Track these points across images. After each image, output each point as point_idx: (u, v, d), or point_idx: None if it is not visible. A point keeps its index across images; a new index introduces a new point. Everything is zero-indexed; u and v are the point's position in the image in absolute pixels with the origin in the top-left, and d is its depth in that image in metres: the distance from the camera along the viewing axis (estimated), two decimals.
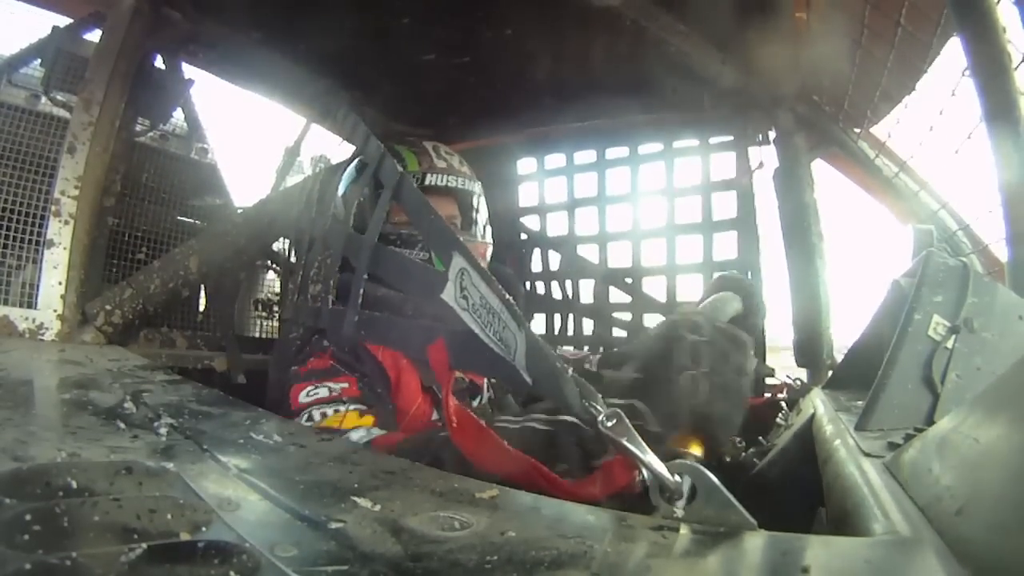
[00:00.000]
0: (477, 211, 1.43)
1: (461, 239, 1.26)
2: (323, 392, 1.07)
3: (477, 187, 1.41)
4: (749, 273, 1.78)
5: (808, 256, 1.68)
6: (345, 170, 1.40)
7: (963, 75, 1.11)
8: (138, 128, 1.73)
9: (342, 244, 1.15)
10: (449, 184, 1.35)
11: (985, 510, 0.42)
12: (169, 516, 0.44)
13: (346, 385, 1.10)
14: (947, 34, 1.20)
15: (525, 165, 2.25)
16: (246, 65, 1.82)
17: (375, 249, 1.08)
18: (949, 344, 0.76)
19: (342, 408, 1.04)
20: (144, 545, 0.38)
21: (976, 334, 0.77)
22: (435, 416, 1.19)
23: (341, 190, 1.35)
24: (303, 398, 1.07)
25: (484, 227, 1.45)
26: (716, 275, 1.13)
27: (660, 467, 0.55)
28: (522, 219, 2.24)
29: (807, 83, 1.66)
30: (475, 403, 1.29)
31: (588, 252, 2.12)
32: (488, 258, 1.43)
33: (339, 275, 1.16)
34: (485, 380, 1.32)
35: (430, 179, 1.33)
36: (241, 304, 2.10)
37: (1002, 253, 1.27)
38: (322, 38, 1.66)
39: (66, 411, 0.73)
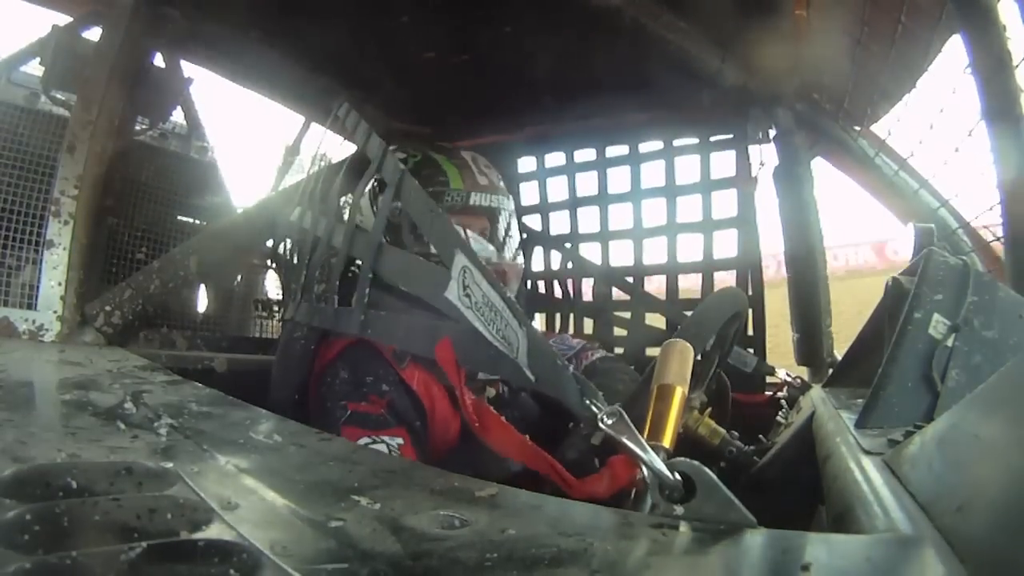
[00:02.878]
0: (510, 229, 1.40)
1: (492, 260, 1.26)
2: (382, 449, 1.04)
3: (511, 204, 1.39)
4: (749, 272, 1.78)
5: (808, 254, 1.68)
6: (346, 169, 1.39)
7: (964, 72, 1.11)
8: (138, 127, 1.73)
9: (348, 244, 1.15)
10: (492, 204, 1.33)
11: (985, 507, 0.42)
12: (169, 516, 0.44)
13: (401, 441, 1.07)
14: (948, 32, 1.20)
15: (525, 164, 2.24)
16: (246, 63, 1.82)
17: (379, 248, 1.08)
18: (949, 342, 0.76)
19: None
20: (144, 544, 0.38)
21: (976, 332, 0.77)
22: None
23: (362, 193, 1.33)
24: None
25: (517, 246, 1.42)
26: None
27: (660, 465, 0.55)
28: (523, 218, 2.24)
29: (807, 81, 1.66)
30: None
31: (589, 251, 2.12)
32: (519, 279, 1.40)
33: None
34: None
35: (474, 199, 1.30)
36: (242, 304, 2.10)
37: (1002, 251, 1.27)
38: (322, 36, 1.66)
39: (66, 412, 0.73)
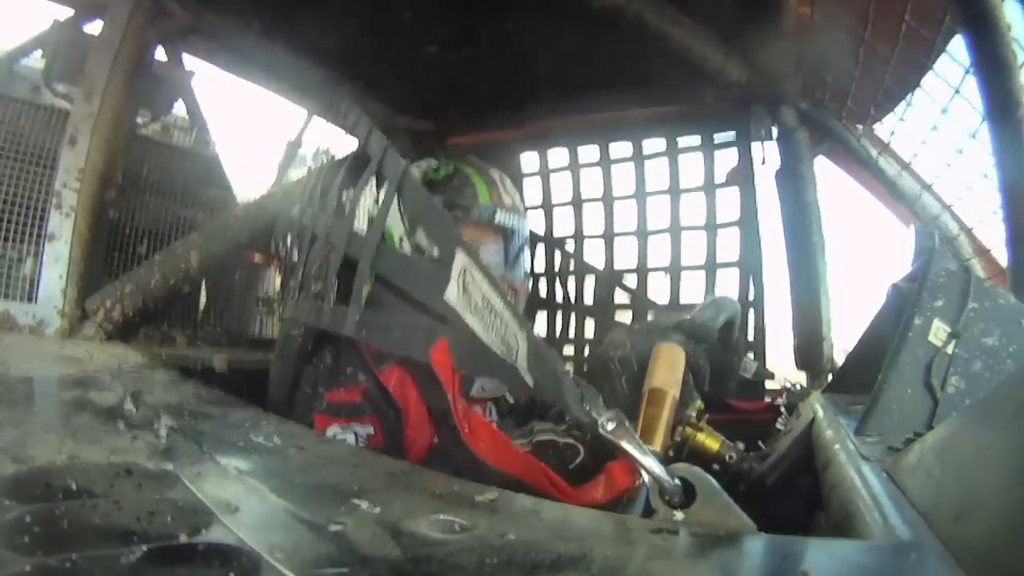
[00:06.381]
0: (522, 251, 1.41)
1: (506, 278, 1.29)
2: (350, 439, 1.09)
3: (527, 229, 1.41)
4: (751, 276, 1.78)
5: (809, 256, 1.68)
6: (348, 165, 1.39)
7: (967, 73, 1.11)
8: (139, 120, 1.73)
9: (345, 241, 1.15)
10: (513, 225, 1.34)
11: (984, 515, 0.42)
12: (169, 518, 0.44)
13: (371, 431, 1.11)
14: (951, 32, 1.19)
15: (528, 160, 2.24)
16: (248, 56, 1.82)
17: (378, 247, 1.08)
18: (949, 349, 0.76)
19: None
20: (143, 547, 0.38)
21: (976, 339, 0.77)
22: (435, 439, 1.19)
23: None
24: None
25: (524, 264, 1.43)
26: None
27: (660, 470, 0.55)
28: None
29: (810, 80, 1.65)
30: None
31: (593, 249, 2.12)
32: (526, 297, 1.41)
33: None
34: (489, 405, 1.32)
35: (500, 216, 1.32)
36: (242, 302, 2.09)
37: (1003, 258, 1.27)
38: (324, 30, 1.65)
39: (66, 411, 0.73)
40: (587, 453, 0.85)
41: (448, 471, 0.83)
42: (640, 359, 0.88)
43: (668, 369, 0.79)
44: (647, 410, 0.73)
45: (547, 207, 2.21)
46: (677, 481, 0.54)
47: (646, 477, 0.55)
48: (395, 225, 1.27)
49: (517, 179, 2.23)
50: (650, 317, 1.99)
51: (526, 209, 1.44)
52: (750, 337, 1.78)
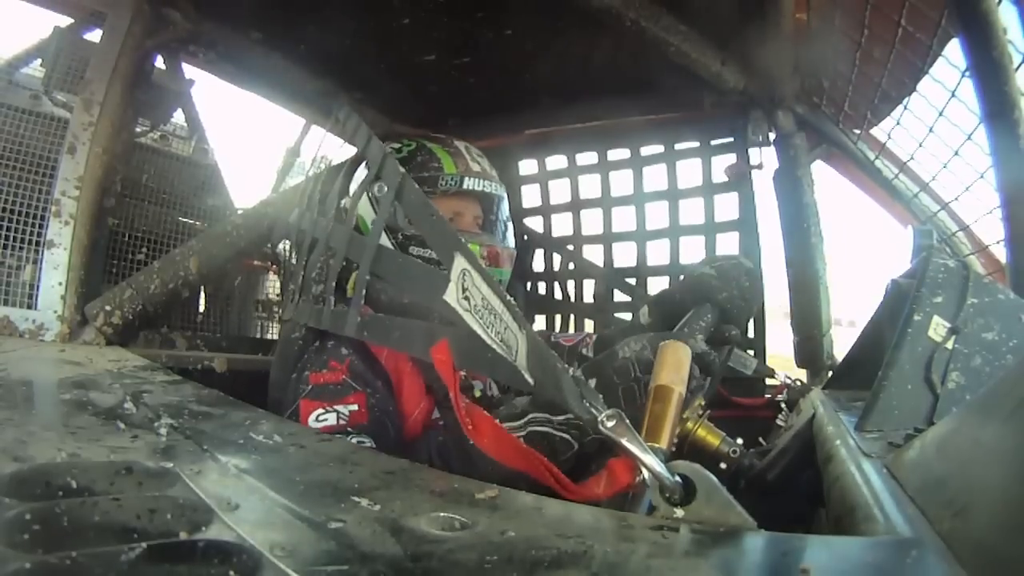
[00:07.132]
0: (502, 215, 1.44)
1: (485, 241, 1.27)
2: (331, 419, 1.07)
3: (503, 191, 1.42)
4: None
5: (808, 256, 1.68)
6: (346, 171, 1.40)
7: (963, 76, 1.11)
8: (138, 128, 1.73)
9: (346, 245, 1.15)
10: (485, 189, 1.35)
11: (985, 511, 0.42)
12: (169, 516, 0.44)
13: (355, 408, 1.09)
14: (947, 35, 1.20)
15: (526, 166, 2.25)
16: (246, 65, 1.82)
17: (378, 250, 1.08)
18: (949, 345, 0.77)
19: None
20: (144, 545, 0.38)
21: (976, 335, 0.77)
22: (436, 415, 1.18)
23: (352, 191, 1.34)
24: (312, 422, 1.07)
25: (508, 231, 1.45)
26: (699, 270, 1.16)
27: (660, 467, 0.55)
28: (524, 220, 2.24)
29: (807, 84, 1.66)
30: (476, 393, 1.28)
31: (592, 253, 2.12)
32: (511, 263, 1.41)
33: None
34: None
35: (468, 183, 1.33)
36: (242, 305, 2.10)
37: (1001, 255, 1.27)
38: (322, 38, 1.66)
39: (66, 411, 0.73)
40: (579, 451, 0.86)
41: (448, 452, 0.83)
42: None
43: (674, 367, 0.79)
44: (653, 407, 0.73)
45: (546, 211, 2.21)
46: (677, 478, 0.53)
47: (646, 474, 0.55)
48: (366, 213, 1.29)
49: (515, 184, 2.24)
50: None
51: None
52: (750, 335, 1.78)
